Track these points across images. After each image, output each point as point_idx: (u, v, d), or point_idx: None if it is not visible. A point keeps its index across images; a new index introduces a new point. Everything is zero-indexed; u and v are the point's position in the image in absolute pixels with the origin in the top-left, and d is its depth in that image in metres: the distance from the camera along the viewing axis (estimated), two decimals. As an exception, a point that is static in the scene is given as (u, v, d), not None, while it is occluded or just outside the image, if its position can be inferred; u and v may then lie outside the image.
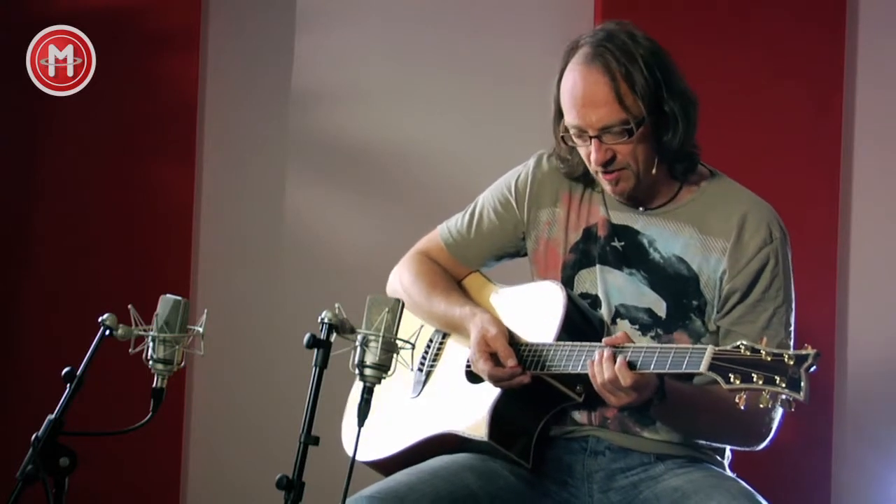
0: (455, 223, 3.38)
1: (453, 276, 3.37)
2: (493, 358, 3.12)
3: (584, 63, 3.10)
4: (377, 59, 4.68)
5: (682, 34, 4.47)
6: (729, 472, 3.19)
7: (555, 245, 3.26)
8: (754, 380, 2.75)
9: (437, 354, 3.32)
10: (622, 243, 3.20)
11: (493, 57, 4.59)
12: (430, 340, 3.33)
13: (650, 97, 3.08)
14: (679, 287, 3.15)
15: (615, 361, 2.93)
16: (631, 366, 2.92)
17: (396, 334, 2.80)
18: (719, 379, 2.79)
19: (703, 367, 2.83)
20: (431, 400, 3.28)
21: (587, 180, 3.24)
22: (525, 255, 3.33)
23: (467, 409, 3.17)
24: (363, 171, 4.68)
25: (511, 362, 3.10)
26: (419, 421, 3.26)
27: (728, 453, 3.24)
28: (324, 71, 4.70)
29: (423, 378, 3.31)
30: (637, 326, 3.17)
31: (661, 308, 3.16)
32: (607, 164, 3.10)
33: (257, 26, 4.70)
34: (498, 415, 3.12)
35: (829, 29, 4.48)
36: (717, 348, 2.83)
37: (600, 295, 3.19)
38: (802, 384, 2.72)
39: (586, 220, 3.24)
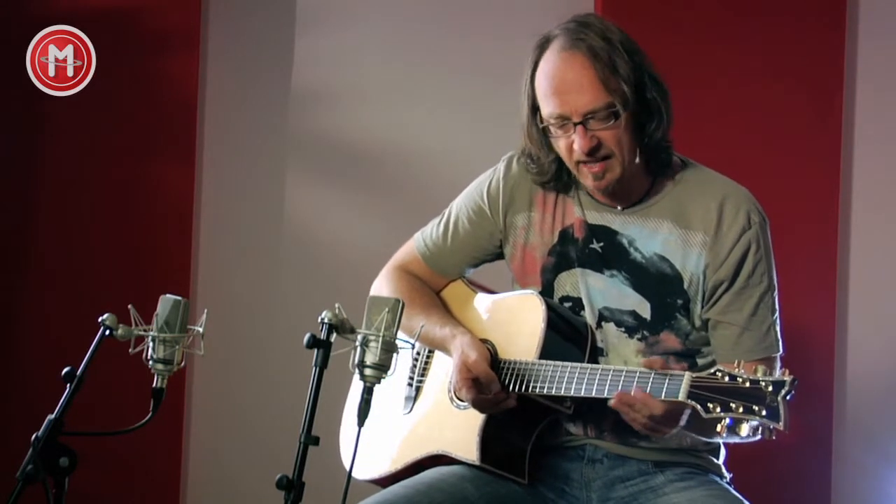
0: (430, 234, 3.33)
1: (432, 286, 3.33)
2: (476, 384, 3.07)
3: (564, 49, 3.04)
4: (377, 59, 4.68)
5: (682, 34, 4.47)
6: (730, 488, 3.17)
7: (532, 250, 3.22)
8: (733, 408, 2.74)
9: (424, 368, 3.29)
10: (601, 244, 3.16)
11: (493, 57, 4.58)
12: (418, 353, 3.30)
13: (633, 82, 3.03)
14: (663, 287, 3.12)
15: (636, 396, 2.90)
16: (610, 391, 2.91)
17: (396, 334, 2.80)
18: (698, 408, 2.77)
19: (681, 396, 2.81)
20: (422, 418, 3.25)
21: (558, 184, 3.18)
22: (503, 258, 3.29)
23: (457, 431, 3.15)
24: (363, 171, 4.68)
25: (495, 388, 3.07)
26: (412, 440, 3.24)
27: (722, 453, 3.23)
28: (324, 71, 4.70)
29: (413, 394, 3.28)
30: (623, 329, 3.14)
31: (645, 309, 3.13)
32: (593, 153, 3.04)
33: (257, 26, 4.70)
34: (488, 438, 3.09)
35: (829, 29, 4.48)
36: (694, 375, 2.81)
37: (583, 298, 3.16)
38: (781, 412, 2.71)
39: (562, 221, 3.20)
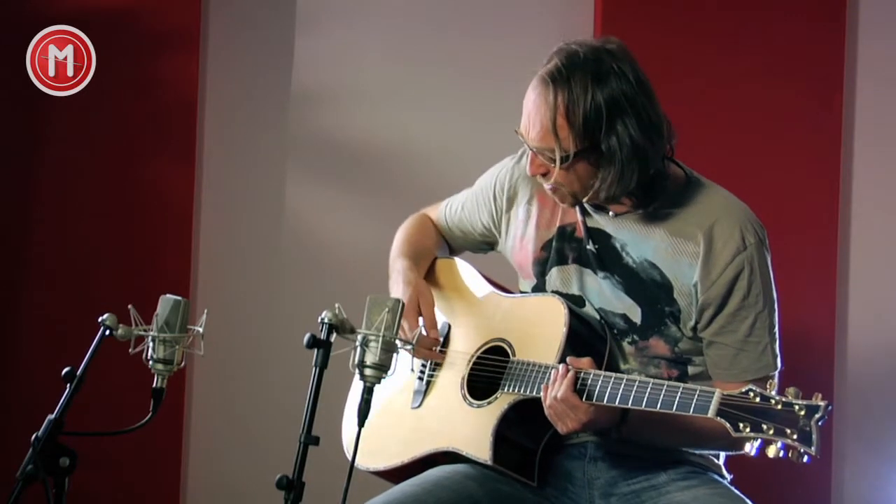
0: (451, 208, 3.42)
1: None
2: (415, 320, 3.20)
3: (541, 78, 3.05)
4: (377, 59, 4.68)
5: (682, 35, 4.47)
6: (732, 488, 3.16)
7: (528, 242, 3.24)
8: (764, 430, 2.70)
9: (436, 363, 3.28)
10: (597, 246, 3.16)
11: (494, 57, 4.59)
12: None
13: (586, 137, 3.01)
14: (653, 293, 3.12)
15: (574, 384, 2.94)
16: (636, 402, 2.90)
17: (396, 334, 2.80)
18: (728, 426, 2.75)
19: (711, 413, 2.78)
20: (433, 413, 3.24)
21: None
22: (495, 248, 3.35)
23: (469, 429, 3.14)
24: (363, 171, 4.68)
25: (434, 333, 3.19)
26: (421, 435, 3.23)
27: (723, 453, 3.22)
28: (324, 71, 4.70)
29: (424, 388, 3.27)
30: (615, 332, 3.14)
31: (636, 314, 3.13)
32: (543, 178, 3.09)
33: (257, 26, 4.70)
34: (500, 438, 3.08)
35: (829, 29, 4.48)
36: (725, 393, 2.78)
37: (584, 296, 3.17)
38: (814, 437, 2.67)
39: (561, 218, 3.21)
